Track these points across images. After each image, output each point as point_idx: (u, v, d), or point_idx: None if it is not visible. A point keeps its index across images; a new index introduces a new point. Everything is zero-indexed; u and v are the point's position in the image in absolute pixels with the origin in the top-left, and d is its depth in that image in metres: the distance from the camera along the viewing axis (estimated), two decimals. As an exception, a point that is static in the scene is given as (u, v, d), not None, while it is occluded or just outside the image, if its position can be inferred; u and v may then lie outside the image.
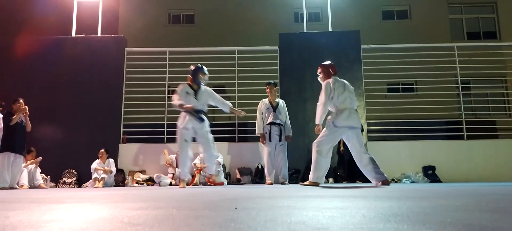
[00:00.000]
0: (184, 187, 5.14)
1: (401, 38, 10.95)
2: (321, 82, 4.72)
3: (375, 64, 7.90)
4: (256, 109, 6.50)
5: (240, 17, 13.10)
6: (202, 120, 5.20)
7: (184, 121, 5.15)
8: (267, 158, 6.19)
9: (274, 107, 6.27)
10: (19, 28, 9.50)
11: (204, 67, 5.48)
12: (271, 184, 5.97)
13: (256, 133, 6.39)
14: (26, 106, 6.16)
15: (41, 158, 6.73)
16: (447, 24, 13.31)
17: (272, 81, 6.57)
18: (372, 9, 13.27)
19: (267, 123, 6.20)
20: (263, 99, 6.43)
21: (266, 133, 6.21)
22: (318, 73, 4.79)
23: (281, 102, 6.42)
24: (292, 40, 8.02)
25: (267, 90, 6.43)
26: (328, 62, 4.82)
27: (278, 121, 6.17)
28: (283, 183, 6.01)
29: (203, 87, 5.39)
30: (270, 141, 6.14)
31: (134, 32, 11.78)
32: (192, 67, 5.48)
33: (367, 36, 8.68)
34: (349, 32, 8.17)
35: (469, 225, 0.94)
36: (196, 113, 5.14)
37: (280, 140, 6.13)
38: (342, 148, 6.93)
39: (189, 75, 5.52)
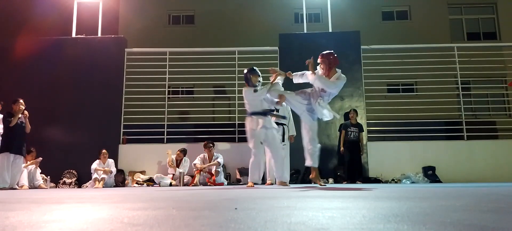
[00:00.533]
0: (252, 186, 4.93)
1: (401, 38, 10.95)
2: (319, 71, 4.62)
3: (375, 64, 7.90)
4: None
5: (240, 18, 13.10)
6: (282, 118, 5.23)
7: (257, 123, 4.98)
8: (269, 158, 6.17)
9: (278, 108, 6.27)
10: (19, 28, 9.50)
11: (255, 68, 5.23)
12: (271, 184, 5.95)
13: None
14: (26, 112, 6.15)
15: (41, 158, 6.73)
16: (447, 24, 13.31)
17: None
18: (372, 9, 13.27)
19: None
20: None
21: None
22: (318, 63, 4.65)
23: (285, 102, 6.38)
24: (292, 40, 8.02)
25: None
26: (331, 52, 4.66)
27: (281, 121, 6.14)
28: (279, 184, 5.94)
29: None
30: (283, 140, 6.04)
31: (134, 33, 11.77)
32: (245, 71, 5.18)
33: (367, 36, 8.68)
34: (349, 33, 8.18)
35: (469, 226, 0.94)
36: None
37: (283, 140, 6.08)
38: (342, 148, 6.93)
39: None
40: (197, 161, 6.83)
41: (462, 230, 0.86)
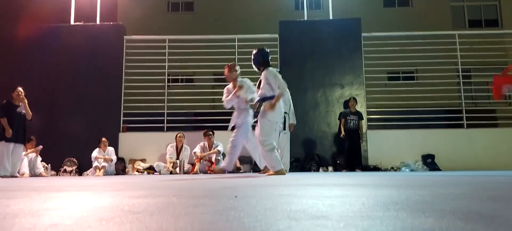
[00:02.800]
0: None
1: (402, 25, 10.85)
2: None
3: (376, 52, 7.86)
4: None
5: (240, 5, 12.97)
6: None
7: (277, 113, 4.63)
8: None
9: None
10: (17, 16, 9.41)
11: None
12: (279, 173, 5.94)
13: None
14: (25, 99, 6.13)
15: (41, 146, 6.75)
16: (448, 11, 13.19)
17: (278, 69, 6.37)
18: (373, -4, 13.12)
19: None
20: None
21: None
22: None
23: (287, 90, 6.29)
24: (292, 28, 7.96)
25: None
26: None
27: (284, 110, 6.14)
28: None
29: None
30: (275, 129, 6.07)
31: (133, 20, 11.67)
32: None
33: (368, 23, 8.62)
34: (350, 20, 8.11)
35: (468, 213, 0.95)
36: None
37: (284, 128, 6.02)
38: (343, 133, 6.87)
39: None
40: (197, 149, 6.85)
41: (461, 217, 0.87)
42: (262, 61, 4.55)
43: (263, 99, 4.47)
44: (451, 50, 8.06)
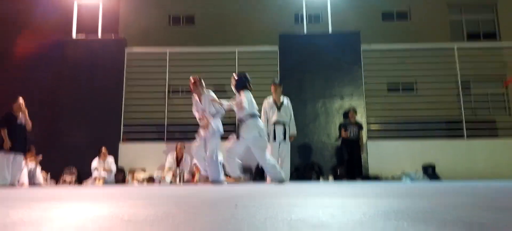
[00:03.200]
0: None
1: (401, 39, 10.95)
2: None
3: (375, 64, 7.91)
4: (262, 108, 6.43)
5: (240, 18, 13.09)
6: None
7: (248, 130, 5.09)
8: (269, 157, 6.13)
9: (279, 107, 6.16)
10: (20, 29, 9.50)
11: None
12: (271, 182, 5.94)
13: None
14: (24, 108, 6.13)
15: (41, 156, 6.74)
16: (447, 25, 13.30)
17: (277, 80, 6.43)
18: (372, 10, 13.26)
19: (272, 122, 6.10)
20: (268, 98, 6.28)
21: (270, 132, 6.12)
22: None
23: (286, 100, 6.28)
24: (292, 41, 8.03)
25: (272, 89, 6.27)
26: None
27: (282, 120, 6.11)
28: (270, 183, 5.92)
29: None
30: (275, 140, 6.03)
31: (134, 33, 11.76)
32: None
33: (367, 37, 8.68)
34: (349, 33, 8.19)
35: (469, 224, 0.94)
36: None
37: (284, 139, 6.05)
38: (344, 133, 6.80)
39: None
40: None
41: (462, 228, 0.87)
42: (246, 84, 5.07)
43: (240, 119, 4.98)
44: (450, 62, 8.11)
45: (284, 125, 6.09)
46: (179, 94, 11.89)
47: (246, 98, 4.92)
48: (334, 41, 7.94)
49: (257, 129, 4.92)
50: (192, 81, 5.45)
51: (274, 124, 6.10)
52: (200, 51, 8.75)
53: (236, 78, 5.13)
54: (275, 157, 6.03)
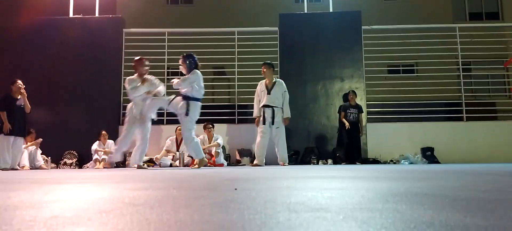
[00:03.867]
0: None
1: (402, 18, 10.82)
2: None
3: (376, 45, 7.84)
4: (255, 91, 6.39)
5: (240, -3, 12.90)
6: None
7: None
8: (258, 140, 6.03)
9: (269, 90, 6.02)
10: (16, 8, 9.36)
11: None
12: (256, 165, 5.83)
13: (253, 115, 6.27)
14: (24, 91, 6.10)
15: (41, 139, 6.75)
16: (449, 4, 13.13)
17: (268, 61, 6.27)
18: (373, -12, 13.05)
19: (261, 105, 6.02)
20: (262, 81, 6.21)
21: (260, 115, 6.03)
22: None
23: (279, 83, 6.13)
24: (292, 21, 7.92)
25: (262, 71, 6.13)
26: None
27: (271, 104, 5.95)
28: (283, 165, 5.90)
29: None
30: (264, 124, 5.96)
31: (132, 13, 11.60)
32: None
33: (368, 16, 8.57)
34: (350, 13, 8.07)
35: (467, 205, 0.95)
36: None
37: (272, 123, 5.93)
38: (347, 125, 6.73)
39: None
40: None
41: (460, 210, 0.87)
42: (196, 65, 5.00)
43: (187, 97, 4.94)
44: (451, 43, 8.04)
45: (272, 109, 5.96)
46: (178, 75, 11.86)
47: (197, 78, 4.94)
48: (335, 20, 7.84)
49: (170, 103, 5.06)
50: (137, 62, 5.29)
51: (263, 106, 5.99)
52: (200, 32, 8.65)
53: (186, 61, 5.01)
54: (263, 140, 5.94)
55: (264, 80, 6.15)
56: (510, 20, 12.28)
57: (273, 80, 6.11)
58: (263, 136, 5.95)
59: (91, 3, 8.08)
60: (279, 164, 5.99)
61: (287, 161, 6.09)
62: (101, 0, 8.21)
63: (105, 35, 7.79)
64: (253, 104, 6.29)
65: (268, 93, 6.01)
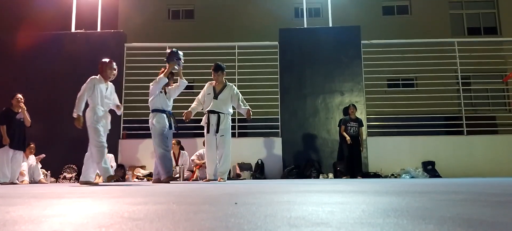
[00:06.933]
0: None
1: (401, 33, 10.92)
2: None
3: (375, 59, 7.89)
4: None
5: (240, 13, 13.05)
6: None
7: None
8: (206, 151, 5.37)
9: (216, 94, 5.39)
10: (19, 23, 9.48)
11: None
12: (208, 181, 5.26)
13: (189, 109, 5.60)
14: (23, 105, 6.11)
15: (44, 155, 6.74)
16: (447, 19, 13.27)
17: (219, 63, 5.62)
18: (372, 4, 13.23)
19: (206, 110, 5.37)
20: (209, 82, 5.58)
21: (204, 122, 5.43)
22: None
23: (229, 87, 5.49)
24: (292, 35, 8.00)
25: (212, 73, 5.51)
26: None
27: (217, 109, 5.30)
28: (219, 181, 5.20)
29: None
30: (208, 132, 5.29)
31: (134, 27, 11.74)
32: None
33: (367, 31, 8.66)
34: (350, 28, 8.16)
35: (468, 220, 0.94)
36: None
37: (217, 131, 5.25)
38: (348, 139, 6.69)
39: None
40: (194, 157, 6.88)
41: (462, 224, 0.87)
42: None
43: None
44: (451, 57, 8.10)
45: (219, 115, 5.31)
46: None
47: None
48: (335, 35, 7.91)
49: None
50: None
51: (209, 112, 5.34)
52: (200, 46, 8.72)
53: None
54: (211, 151, 5.28)
55: (213, 82, 5.53)
56: (508, 35, 12.39)
57: (224, 84, 5.49)
58: (210, 148, 5.30)
59: (94, 18, 8.18)
60: (216, 180, 5.26)
61: (226, 177, 5.37)
62: (103, 15, 8.31)
63: (106, 50, 7.84)
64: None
65: (215, 97, 5.36)
